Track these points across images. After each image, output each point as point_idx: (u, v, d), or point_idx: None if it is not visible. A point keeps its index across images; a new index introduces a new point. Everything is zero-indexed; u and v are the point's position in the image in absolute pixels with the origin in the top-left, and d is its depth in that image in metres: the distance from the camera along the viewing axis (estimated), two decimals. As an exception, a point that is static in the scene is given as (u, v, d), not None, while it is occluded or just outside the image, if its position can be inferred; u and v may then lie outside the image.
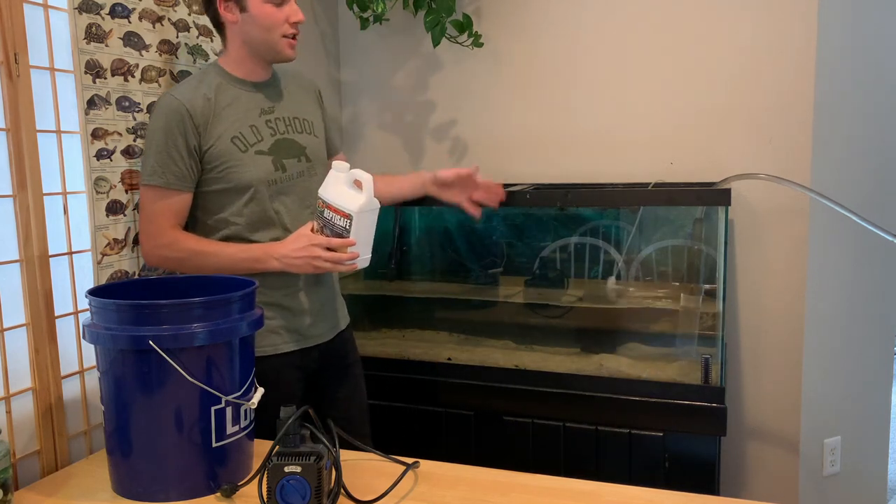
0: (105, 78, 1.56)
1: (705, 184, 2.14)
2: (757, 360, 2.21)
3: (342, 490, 1.23)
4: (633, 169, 2.26)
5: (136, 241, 1.65)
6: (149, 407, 1.25)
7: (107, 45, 1.57)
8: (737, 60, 2.14)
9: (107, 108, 1.57)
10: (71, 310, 1.51)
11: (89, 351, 1.50)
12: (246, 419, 1.34)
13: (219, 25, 1.62)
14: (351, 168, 1.52)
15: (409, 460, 1.38)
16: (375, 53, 2.55)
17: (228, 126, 1.58)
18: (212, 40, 1.88)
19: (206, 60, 1.86)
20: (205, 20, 1.85)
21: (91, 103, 1.53)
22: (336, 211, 1.50)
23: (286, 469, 1.14)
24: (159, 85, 1.70)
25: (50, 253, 1.44)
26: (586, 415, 1.95)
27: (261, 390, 1.37)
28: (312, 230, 1.54)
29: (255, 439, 1.41)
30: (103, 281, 1.56)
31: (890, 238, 1.87)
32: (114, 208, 1.59)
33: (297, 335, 1.67)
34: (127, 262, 1.63)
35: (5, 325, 1.36)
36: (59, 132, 1.49)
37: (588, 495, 1.27)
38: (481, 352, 2.20)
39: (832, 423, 2.27)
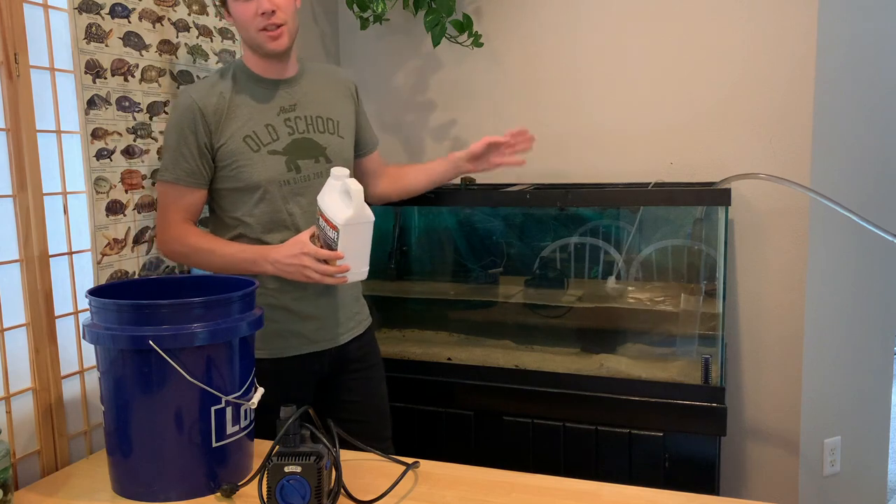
0: (105, 78, 1.56)
1: (705, 184, 2.14)
2: (757, 360, 2.21)
3: (342, 490, 1.23)
4: (633, 169, 2.26)
5: (136, 241, 1.65)
6: (149, 407, 1.25)
7: (107, 45, 1.57)
8: (737, 60, 2.14)
9: (107, 108, 1.57)
10: (71, 310, 1.51)
11: (89, 351, 1.50)
12: (246, 419, 1.34)
13: None
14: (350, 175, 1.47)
15: (409, 460, 1.38)
16: (375, 53, 2.55)
17: (242, 124, 1.57)
18: (211, 40, 1.88)
19: (206, 60, 1.86)
20: (205, 20, 1.85)
21: (91, 103, 1.53)
22: (327, 221, 1.46)
23: (286, 469, 1.14)
24: (159, 85, 1.70)
25: (50, 253, 1.44)
26: (586, 415, 1.95)
27: (261, 390, 1.37)
28: (312, 236, 1.52)
29: (255, 439, 1.41)
30: (103, 281, 1.56)
31: (890, 238, 1.87)
32: (114, 208, 1.59)
33: (305, 339, 1.66)
34: (127, 262, 1.63)
35: (5, 325, 1.36)
36: (59, 132, 1.49)
37: (588, 495, 1.27)
38: (481, 352, 2.20)
39: (832, 423, 2.27)
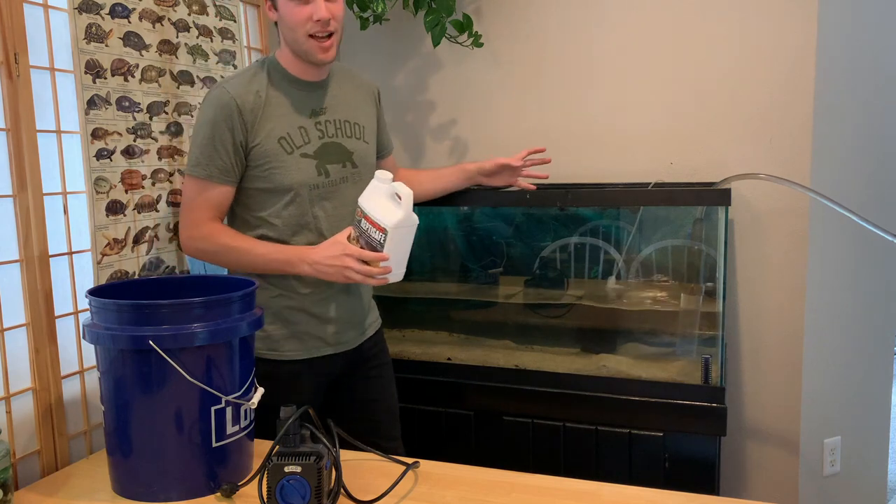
0: (105, 78, 1.56)
1: (705, 184, 2.14)
2: (757, 360, 2.20)
3: (342, 490, 1.23)
4: (632, 169, 2.26)
5: (136, 241, 1.65)
6: (149, 407, 1.25)
7: (107, 45, 1.57)
8: (737, 60, 2.14)
9: (107, 108, 1.57)
10: (71, 310, 1.51)
11: (89, 351, 1.50)
12: (246, 419, 1.34)
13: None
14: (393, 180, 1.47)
15: (409, 460, 1.38)
16: (375, 53, 2.55)
17: (276, 124, 1.56)
18: (211, 40, 1.88)
19: (206, 60, 1.86)
20: (205, 20, 1.85)
21: (91, 103, 1.53)
22: (373, 223, 1.45)
23: (286, 469, 1.14)
24: (159, 85, 1.70)
25: (50, 253, 1.44)
26: (586, 415, 1.95)
27: (261, 390, 1.37)
28: (349, 237, 1.50)
29: (255, 439, 1.41)
30: (103, 281, 1.55)
31: (890, 238, 1.87)
32: (114, 208, 1.59)
33: (322, 342, 1.65)
34: (127, 263, 1.62)
35: (5, 325, 1.36)
36: (59, 132, 1.49)
37: (588, 495, 1.27)
38: (481, 352, 2.20)
39: (832, 423, 2.27)
